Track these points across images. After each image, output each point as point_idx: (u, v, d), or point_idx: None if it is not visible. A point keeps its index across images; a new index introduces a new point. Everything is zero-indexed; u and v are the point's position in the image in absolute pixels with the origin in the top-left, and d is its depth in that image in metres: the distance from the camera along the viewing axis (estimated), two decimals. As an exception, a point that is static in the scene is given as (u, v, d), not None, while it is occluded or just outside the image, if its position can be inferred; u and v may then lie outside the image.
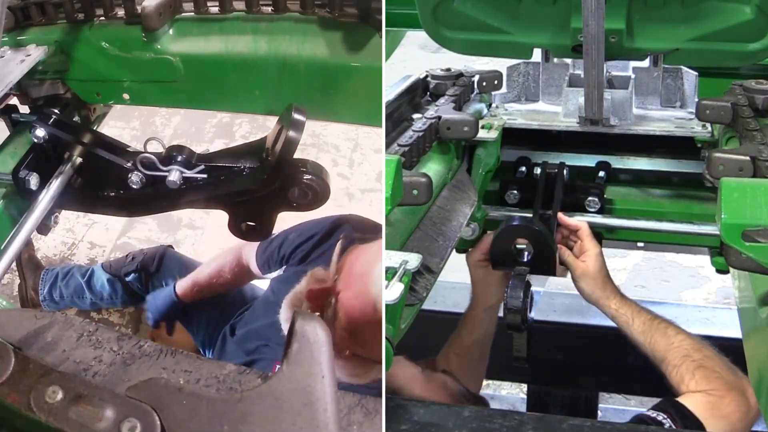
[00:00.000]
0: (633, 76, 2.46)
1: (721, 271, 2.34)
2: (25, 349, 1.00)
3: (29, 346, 1.03)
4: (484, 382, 2.77)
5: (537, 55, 2.52)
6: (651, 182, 2.48)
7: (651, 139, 2.39)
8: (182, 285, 2.86)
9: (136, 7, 1.92)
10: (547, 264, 2.13)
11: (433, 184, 1.60)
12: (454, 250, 1.94)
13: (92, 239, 4.30)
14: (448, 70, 2.43)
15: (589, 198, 2.32)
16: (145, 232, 4.33)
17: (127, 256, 3.20)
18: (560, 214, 2.24)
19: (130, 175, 1.78)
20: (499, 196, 2.40)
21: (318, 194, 1.68)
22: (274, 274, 2.67)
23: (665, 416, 1.78)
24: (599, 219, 2.32)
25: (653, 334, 2.07)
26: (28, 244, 2.95)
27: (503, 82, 2.50)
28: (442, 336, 2.53)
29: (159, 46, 1.95)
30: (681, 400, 1.86)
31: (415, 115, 2.13)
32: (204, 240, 4.27)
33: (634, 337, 2.12)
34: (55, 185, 1.79)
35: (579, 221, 2.24)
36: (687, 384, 1.92)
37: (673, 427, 1.71)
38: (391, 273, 1.30)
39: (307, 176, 1.66)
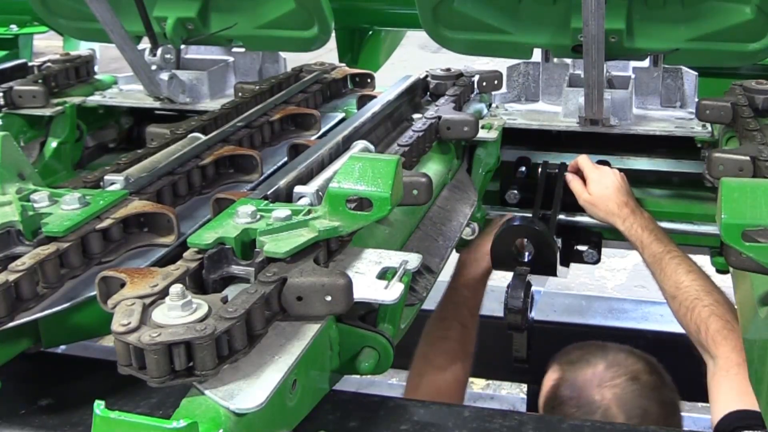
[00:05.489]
0: (633, 76, 2.47)
1: (721, 271, 2.33)
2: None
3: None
4: (484, 382, 2.77)
5: (537, 55, 2.52)
6: (651, 182, 2.48)
7: (651, 139, 2.38)
8: None
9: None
10: (547, 264, 2.13)
11: (433, 184, 1.60)
12: (454, 250, 1.94)
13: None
14: (448, 70, 2.43)
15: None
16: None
17: None
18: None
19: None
20: (499, 196, 2.39)
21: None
22: None
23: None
24: (599, 219, 2.31)
25: (663, 268, 2.07)
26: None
27: (503, 82, 2.50)
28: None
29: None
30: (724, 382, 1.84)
31: (415, 115, 2.13)
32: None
33: (646, 265, 2.14)
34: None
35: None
36: (706, 335, 1.91)
37: None
38: (391, 273, 1.30)
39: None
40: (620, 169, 2.50)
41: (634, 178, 2.39)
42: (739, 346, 1.89)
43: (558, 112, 2.45)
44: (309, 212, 1.37)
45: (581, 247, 2.34)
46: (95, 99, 2.67)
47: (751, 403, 1.80)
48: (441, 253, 1.71)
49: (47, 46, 4.17)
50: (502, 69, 2.53)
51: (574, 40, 2.30)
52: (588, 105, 2.26)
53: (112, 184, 1.61)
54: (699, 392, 2.06)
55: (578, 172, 2.31)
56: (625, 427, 1.64)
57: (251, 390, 1.04)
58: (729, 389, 1.82)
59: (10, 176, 1.53)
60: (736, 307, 1.67)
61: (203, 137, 1.91)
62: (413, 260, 1.33)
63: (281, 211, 1.34)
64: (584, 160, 2.30)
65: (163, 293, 1.13)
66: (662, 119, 2.41)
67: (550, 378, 2.15)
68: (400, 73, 2.40)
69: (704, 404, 2.01)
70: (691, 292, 1.99)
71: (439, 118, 2.02)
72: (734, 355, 1.83)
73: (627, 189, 2.24)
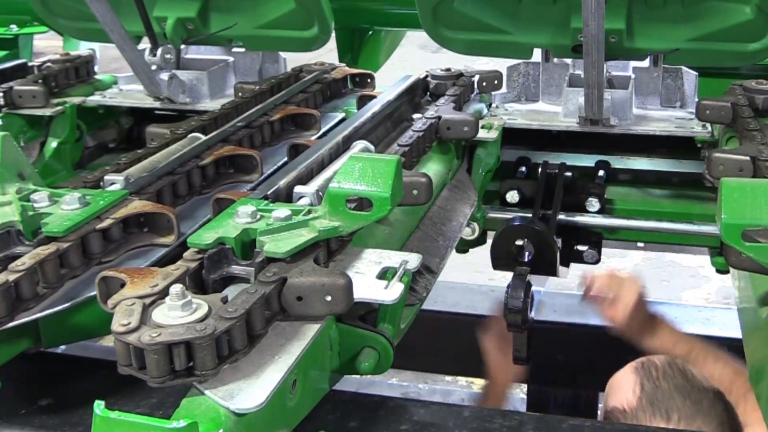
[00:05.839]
0: (633, 76, 2.46)
1: (721, 271, 2.34)
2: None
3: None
4: (484, 382, 2.78)
5: (537, 55, 2.52)
6: (651, 182, 2.48)
7: (651, 139, 2.38)
8: None
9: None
10: (547, 264, 2.13)
11: (433, 184, 1.60)
12: (454, 250, 1.94)
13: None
14: (448, 70, 2.43)
15: (589, 198, 2.32)
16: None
17: None
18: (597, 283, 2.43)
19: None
20: (499, 196, 2.40)
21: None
22: None
23: None
24: (599, 219, 2.31)
25: (693, 364, 2.16)
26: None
27: (503, 82, 2.50)
28: (442, 336, 2.53)
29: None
30: None
31: (415, 115, 2.13)
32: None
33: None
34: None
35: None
36: (745, 412, 1.97)
37: None
38: (391, 273, 1.30)
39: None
40: (620, 169, 2.50)
41: (634, 178, 2.39)
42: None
43: (558, 112, 2.45)
44: (309, 212, 1.37)
45: (581, 247, 2.34)
46: (95, 99, 2.67)
47: None
48: (441, 253, 1.71)
49: (47, 46, 4.17)
50: (502, 69, 2.53)
51: (574, 40, 2.30)
52: (588, 105, 2.26)
53: (112, 184, 1.61)
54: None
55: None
56: (626, 427, 1.63)
57: (251, 390, 1.04)
58: None
59: (10, 176, 1.53)
60: (735, 307, 1.68)
61: (203, 137, 1.91)
62: (413, 260, 1.33)
63: (281, 211, 1.34)
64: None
65: (163, 293, 1.13)
66: (662, 119, 2.41)
67: (627, 389, 2.09)
68: (400, 73, 2.40)
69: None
70: (725, 378, 2.11)
71: (439, 118, 2.02)
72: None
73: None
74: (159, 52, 2.59)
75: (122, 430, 0.95)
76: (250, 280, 1.23)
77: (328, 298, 1.18)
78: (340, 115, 2.34)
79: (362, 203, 1.38)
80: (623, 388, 2.10)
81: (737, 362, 2.10)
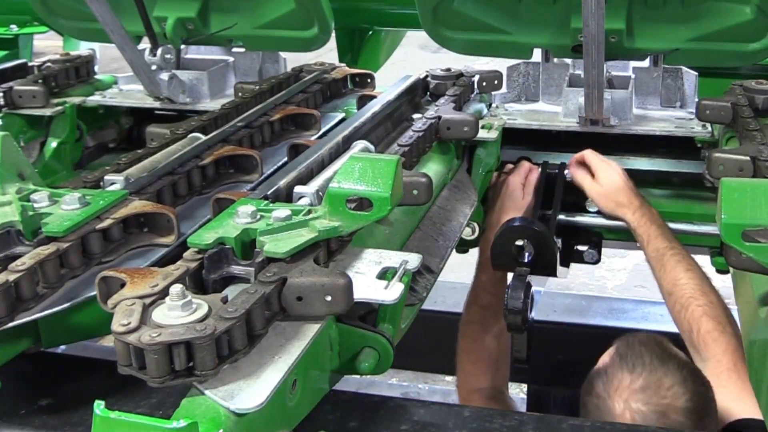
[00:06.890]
0: (633, 76, 2.46)
1: (721, 271, 2.33)
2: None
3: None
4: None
5: (537, 55, 2.52)
6: (651, 182, 2.48)
7: (651, 139, 2.38)
8: None
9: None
10: (547, 264, 2.13)
11: (433, 184, 1.60)
12: (454, 250, 1.94)
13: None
14: (448, 70, 2.43)
15: (589, 198, 2.32)
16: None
17: None
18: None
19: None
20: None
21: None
22: None
23: None
24: (599, 219, 2.31)
25: (664, 264, 2.08)
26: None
27: (503, 82, 2.50)
28: (442, 336, 2.52)
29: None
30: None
31: (415, 115, 2.13)
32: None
33: (647, 260, 2.15)
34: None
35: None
36: (697, 336, 1.93)
37: None
38: (391, 273, 1.30)
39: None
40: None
41: (634, 178, 2.39)
42: (731, 348, 1.90)
43: (558, 112, 2.45)
44: (309, 212, 1.37)
45: (581, 247, 2.34)
46: (95, 99, 2.68)
47: (745, 410, 1.81)
48: (441, 253, 1.71)
49: (47, 46, 4.17)
50: (502, 69, 2.53)
51: (574, 40, 2.30)
52: (588, 105, 2.26)
53: (112, 184, 1.61)
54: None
55: (583, 165, 2.31)
56: (625, 427, 1.63)
57: (251, 390, 1.04)
58: (721, 395, 1.82)
59: (10, 176, 1.53)
60: (735, 307, 1.68)
61: (203, 137, 1.91)
62: (413, 260, 1.33)
63: (281, 211, 1.34)
64: (591, 154, 2.30)
65: (163, 293, 1.13)
66: (662, 119, 2.41)
67: (605, 355, 2.07)
68: (400, 73, 2.40)
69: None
70: (686, 291, 2.00)
71: (439, 118, 2.02)
72: (725, 359, 1.83)
73: (632, 184, 2.24)
74: (159, 52, 2.59)
75: (122, 430, 0.95)
76: (250, 280, 1.23)
77: (328, 298, 1.18)
78: (340, 115, 2.34)
79: (362, 203, 1.38)
80: (603, 356, 2.08)
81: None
